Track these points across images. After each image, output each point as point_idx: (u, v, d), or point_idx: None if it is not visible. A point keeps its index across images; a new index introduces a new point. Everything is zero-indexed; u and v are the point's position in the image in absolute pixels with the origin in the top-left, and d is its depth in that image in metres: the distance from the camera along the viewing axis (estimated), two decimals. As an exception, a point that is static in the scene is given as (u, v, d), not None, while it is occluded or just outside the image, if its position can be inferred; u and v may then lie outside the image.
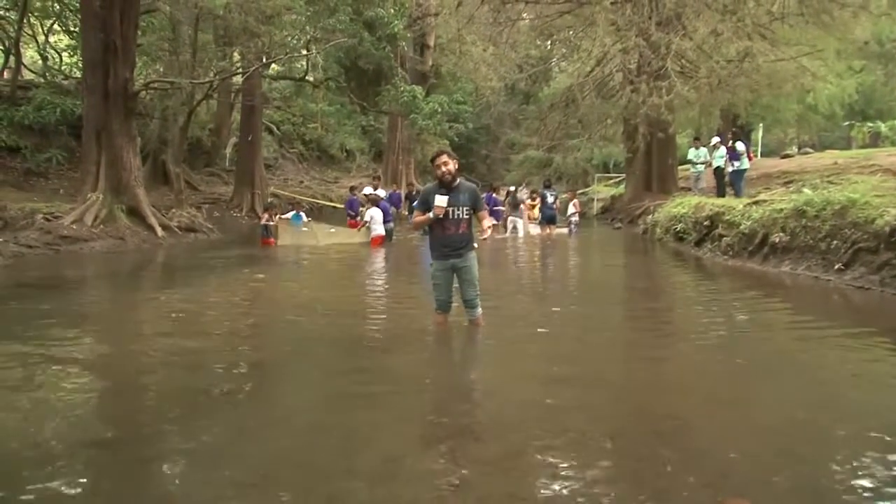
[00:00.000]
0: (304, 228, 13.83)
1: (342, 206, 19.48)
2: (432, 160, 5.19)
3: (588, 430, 3.23)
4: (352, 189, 18.13)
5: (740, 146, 14.79)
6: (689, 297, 7.58)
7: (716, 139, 16.14)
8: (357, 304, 7.10)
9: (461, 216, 5.08)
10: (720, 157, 15.50)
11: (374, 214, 13.63)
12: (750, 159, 15.76)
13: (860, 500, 2.43)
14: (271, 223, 13.78)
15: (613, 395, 3.88)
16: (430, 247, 5.32)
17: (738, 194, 14.27)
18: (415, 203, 6.99)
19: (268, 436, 3.19)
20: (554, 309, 6.73)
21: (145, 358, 4.81)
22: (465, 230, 5.14)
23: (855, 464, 2.74)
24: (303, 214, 14.85)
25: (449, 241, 5.11)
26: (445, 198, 4.99)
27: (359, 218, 15.06)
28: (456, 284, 5.26)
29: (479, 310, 5.28)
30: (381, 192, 15.84)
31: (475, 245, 5.32)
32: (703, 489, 2.58)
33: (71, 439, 3.11)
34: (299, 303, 7.23)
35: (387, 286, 8.87)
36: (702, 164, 16.68)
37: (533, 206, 17.13)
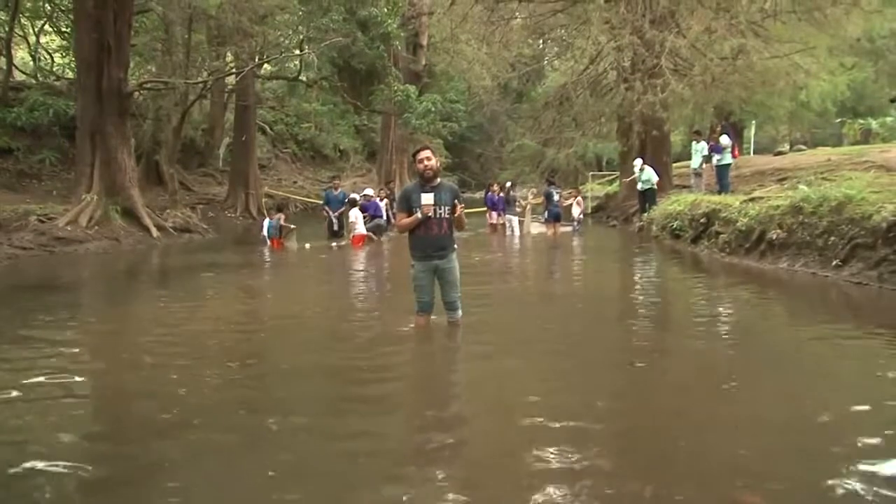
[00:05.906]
0: (304, 245, 13.29)
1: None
2: (414, 155, 5.09)
3: (593, 429, 3.23)
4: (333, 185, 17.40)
5: (724, 140, 14.70)
6: (689, 293, 7.59)
7: (639, 160, 15.71)
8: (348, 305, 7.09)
9: (444, 215, 4.95)
10: (645, 181, 15.33)
11: (355, 216, 13.66)
12: (735, 156, 15.43)
13: (871, 495, 2.44)
14: (283, 224, 13.51)
15: (617, 393, 3.89)
16: (411, 248, 5.12)
17: (723, 190, 14.21)
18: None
19: (268, 445, 3.18)
20: (556, 306, 6.73)
21: (136, 375, 4.73)
22: (447, 230, 5.01)
23: (864, 459, 2.75)
24: (271, 221, 13.62)
25: (432, 242, 4.97)
26: (431, 195, 4.87)
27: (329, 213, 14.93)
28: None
29: (460, 311, 5.20)
30: (368, 192, 15.67)
31: (456, 246, 5.20)
32: (713, 485, 2.59)
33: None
34: (297, 304, 7.22)
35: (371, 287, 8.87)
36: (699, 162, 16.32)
37: (538, 205, 17.03)
